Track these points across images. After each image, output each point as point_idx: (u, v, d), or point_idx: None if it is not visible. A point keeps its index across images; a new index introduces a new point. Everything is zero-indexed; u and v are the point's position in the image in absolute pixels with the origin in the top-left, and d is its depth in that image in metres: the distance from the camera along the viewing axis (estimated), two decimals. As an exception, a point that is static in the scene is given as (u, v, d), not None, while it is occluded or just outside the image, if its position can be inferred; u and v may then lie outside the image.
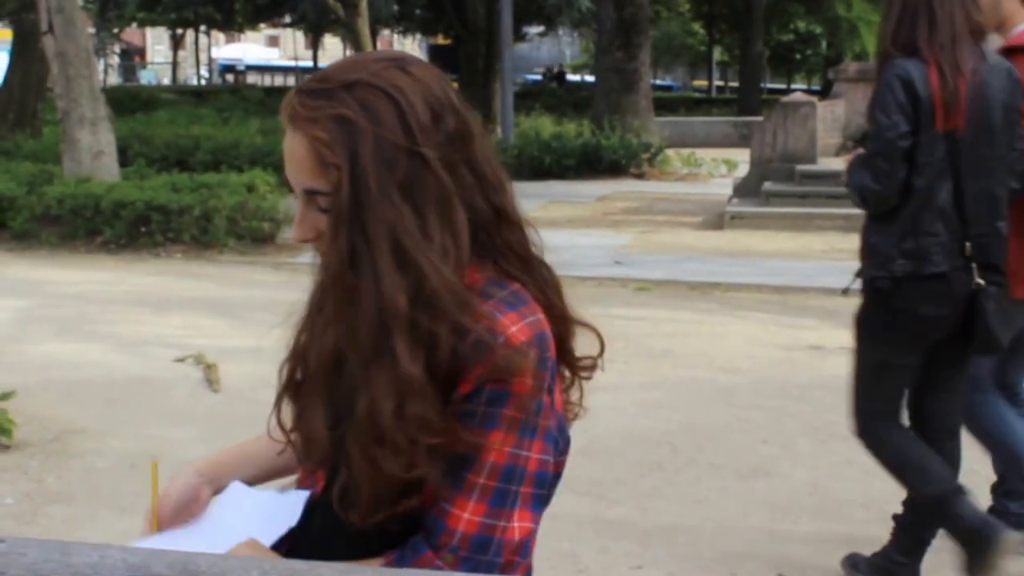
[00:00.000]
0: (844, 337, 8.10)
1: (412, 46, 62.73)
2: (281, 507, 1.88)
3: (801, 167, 15.12)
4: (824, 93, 26.52)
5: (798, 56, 53.88)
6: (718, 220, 14.42)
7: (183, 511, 1.99)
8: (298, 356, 1.84)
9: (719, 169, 20.82)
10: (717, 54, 56.12)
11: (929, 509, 4.09)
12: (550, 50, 58.57)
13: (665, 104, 35.42)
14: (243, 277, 10.83)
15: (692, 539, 4.76)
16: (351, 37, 25.53)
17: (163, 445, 5.77)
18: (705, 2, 46.10)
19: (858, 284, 4.13)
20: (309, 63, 57.32)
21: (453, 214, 1.69)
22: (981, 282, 3.86)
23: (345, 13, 23.65)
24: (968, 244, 3.86)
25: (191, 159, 18.08)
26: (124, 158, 14.91)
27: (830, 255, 11.94)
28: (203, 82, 62.69)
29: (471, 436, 1.67)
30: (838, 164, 15.75)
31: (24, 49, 19.93)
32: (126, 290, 10.21)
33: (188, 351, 7.36)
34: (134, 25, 54.29)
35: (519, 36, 38.68)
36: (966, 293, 3.86)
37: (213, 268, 11.38)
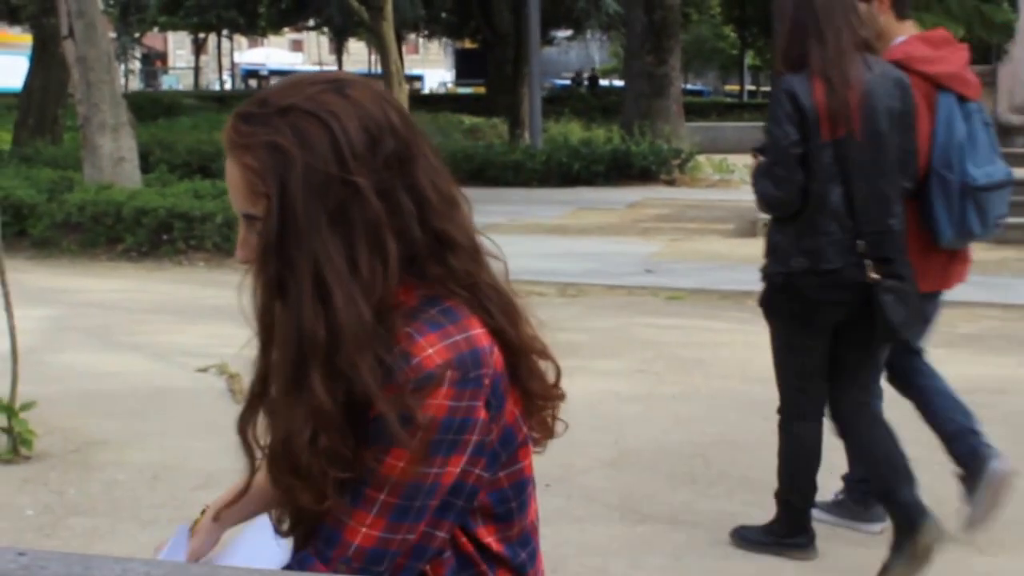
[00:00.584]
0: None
1: (438, 50, 62.80)
2: None
3: (834, 173, 14.97)
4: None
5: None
6: (750, 227, 14.28)
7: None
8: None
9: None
10: (749, 58, 55.99)
11: (787, 512, 4.55)
12: (578, 54, 58.55)
13: (696, 109, 35.34)
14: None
15: (725, 554, 4.66)
16: (376, 41, 25.50)
17: (186, 456, 5.71)
18: (737, 5, 45.91)
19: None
20: (334, 68, 57.46)
21: (384, 243, 1.69)
22: (876, 276, 4.15)
23: (370, 17, 23.62)
24: (860, 242, 4.16)
25: (213, 165, 17.85)
26: (146, 164, 14.87)
27: (865, 263, 11.82)
28: (226, 87, 62.94)
29: (375, 453, 1.69)
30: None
31: (44, 54, 19.98)
32: (148, 298, 10.17)
33: (211, 361, 7.29)
34: (155, 30, 54.60)
35: (547, 40, 38.62)
36: (860, 286, 4.17)
37: (236, 276, 11.23)
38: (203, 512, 2.08)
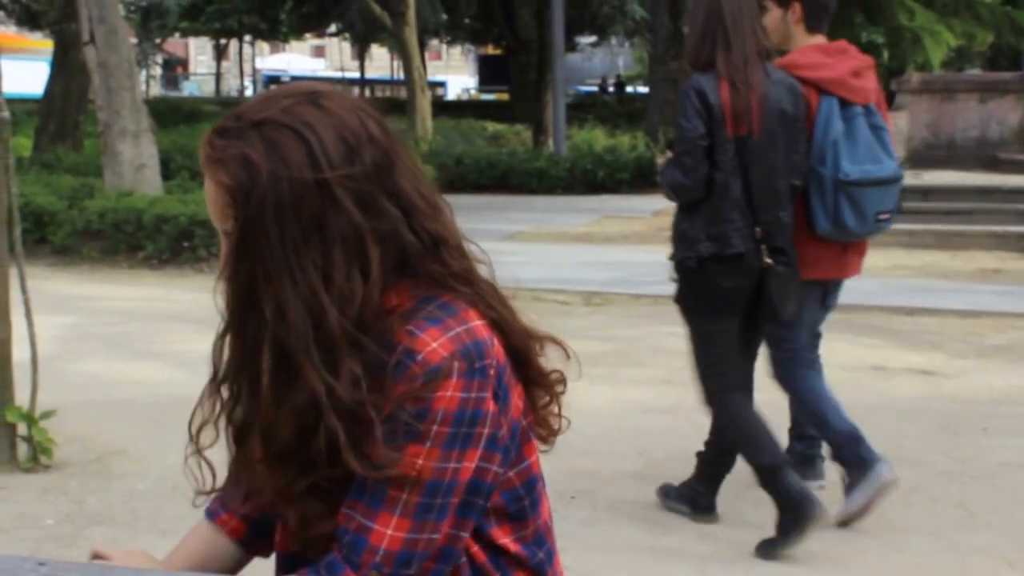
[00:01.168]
0: (909, 358, 7.99)
1: (461, 56, 62.81)
2: None
3: (863, 181, 14.89)
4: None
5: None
6: (777, 235, 14.19)
7: None
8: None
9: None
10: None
11: (759, 475, 4.73)
12: (603, 61, 58.49)
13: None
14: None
15: (751, 566, 4.61)
16: (398, 47, 25.57)
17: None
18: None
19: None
20: (356, 74, 57.55)
21: (365, 252, 1.69)
22: (769, 261, 4.60)
23: (393, 23, 23.69)
24: (758, 229, 4.59)
25: (234, 172, 17.95)
26: (167, 171, 14.85)
27: (893, 272, 11.74)
28: (247, 93, 63.06)
29: (392, 453, 1.68)
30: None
31: (65, 60, 20.00)
32: (168, 306, 10.14)
33: (233, 369, 7.24)
34: (177, 35, 54.78)
35: (571, 46, 38.60)
36: (758, 270, 4.61)
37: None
38: None
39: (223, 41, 57.91)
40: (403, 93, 31.62)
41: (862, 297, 10.26)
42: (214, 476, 1.94)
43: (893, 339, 8.68)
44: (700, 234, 4.63)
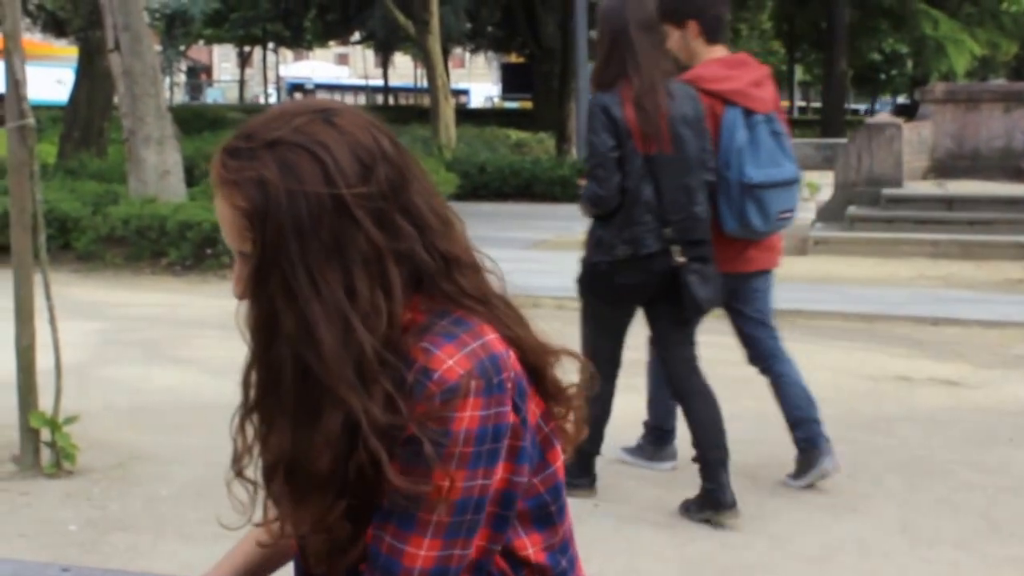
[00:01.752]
0: (934, 368, 7.95)
1: (484, 64, 62.88)
2: None
3: (887, 191, 14.85)
4: (909, 113, 26.15)
5: (883, 76, 53.34)
6: (801, 245, 14.16)
7: None
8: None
9: (801, 192, 20.52)
10: (799, 73, 55.67)
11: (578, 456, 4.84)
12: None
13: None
14: (311, 299, 10.66)
15: (775, 578, 4.57)
16: (422, 55, 25.59)
17: (229, 473, 5.65)
18: (786, 20, 45.67)
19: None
20: (379, 82, 57.57)
21: (386, 270, 1.68)
22: (682, 259, 4.89)
23: (416, 31, 23.71)
24: (667, 230, 4.88)
25: (258, 179, 17.91)
26: (190, 178, 14.81)
27: (918, 282, 11.70)
28: (271, 101, 63.17)
29: (417, 476, 1.66)
30: (926, 188, 15.48)
31: (90, 67, 20.04)
32: (192, 313, 10.14)
33: (256, 375, 7.24)
34: (201, 43, 54.87)
35: (594, 55, 38.55)
36: (668, 268, 4.90)
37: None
38: None
39: (247, 48, 58.09)
40: (426, 101, 31.66)
41: (886, 307, 10.25)
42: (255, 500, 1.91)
43: (917, 349, 8.63)
44: (615, 239, 4.92)
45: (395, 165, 1.71)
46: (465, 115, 37.61)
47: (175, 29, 40.50)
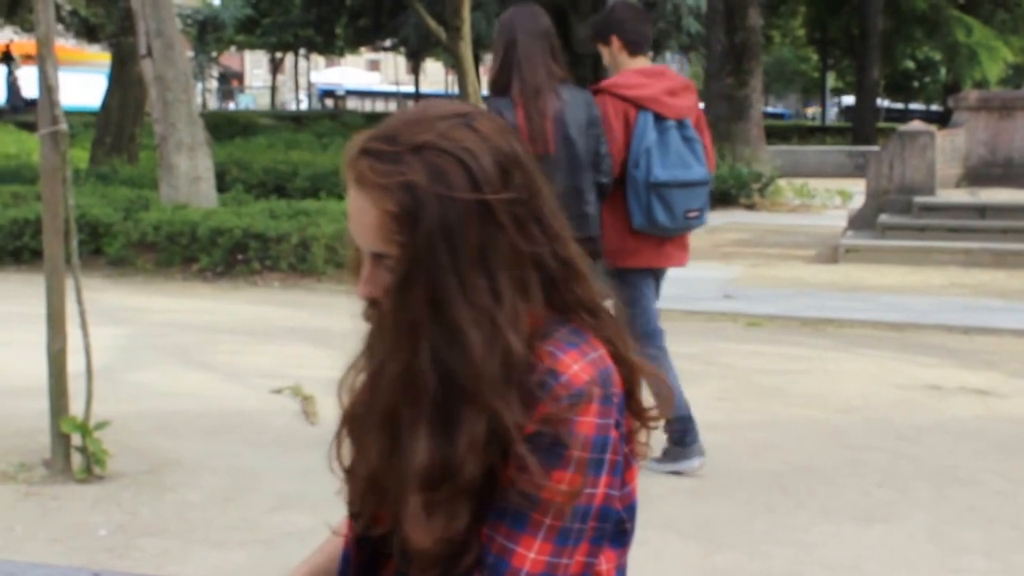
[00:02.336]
0: (965, 377, 7.91)
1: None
2: None
3: (919, 199, 14.77)
4: (943, 120, 26.03)
5: (915, 83, 53.09)
6: (832, 253, 14.12)
7: None
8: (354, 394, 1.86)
9: (833, 200, 20.43)
10: (831, 80, 55.42)
11: None
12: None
13: (777, 132, 34.99)
14: (341, 307, 10.61)
15: (804, 588, 4.55)
16: (453, 61, 25.56)
17: (258, 478, 5.68)
18: (819, 27, 45.51)
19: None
20: (410, 88, 57.60)
21: (525, 275, 1.69)
22: None
23: (447, 37, 23.65)
24: None
25: (289, 185, 17.91)
26: (222, 184, 14.87)
27: (950, 290, 11.63)
28: (302, 107, 63.29)
29: (535, 476, 1.66)
30: (959, 196, 15.39)
31: (122, 73, 20.15)
32: (222, 319, 10.16)
33: (285, 382, 7.27)
34: (233, 49, 55.01)
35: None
36: None
37: (311, 297, 11.30)
38: None
39: (279, 55, 58.20)
40: (457, 107, 31.57)
41: (917, 315, 10.19)
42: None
43: (948, 358, 8.59)
44: None
45: (528, 171, 1.72)
46: (496, 121, 37.49)
47: (207, 35, 40.71)
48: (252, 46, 53.63)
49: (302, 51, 55.48)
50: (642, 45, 5.86)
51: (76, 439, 5.67)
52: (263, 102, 67.06)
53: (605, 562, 1.82)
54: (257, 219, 12.53)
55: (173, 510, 5.31)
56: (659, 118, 5.62)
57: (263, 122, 38.13)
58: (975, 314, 10.21)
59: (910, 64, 49.74)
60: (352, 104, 64.38)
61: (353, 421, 1.85)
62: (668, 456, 5.78)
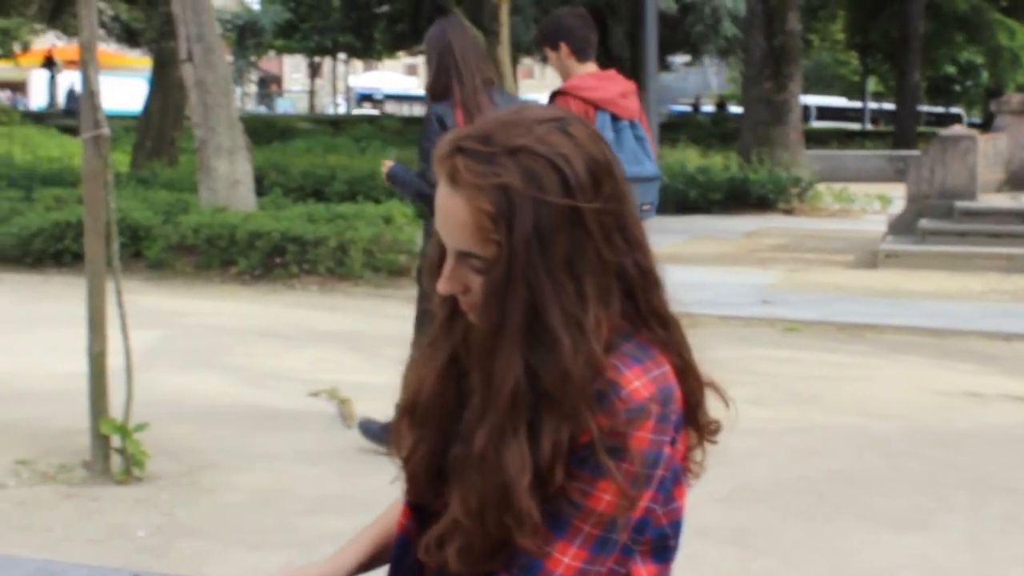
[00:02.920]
0: (1005, 384, 7.85)
1: (554, 75, 62.81)
2: None
3: (960, 204, 14.66)
4: (985, 125, 25.86)
5: (957, 87, 52.73)
6: (871, 259, 14.04)
7: None
8: (415, 388, 1.87)
9: (872, 205, 20.31)
10: (872, 84, 55.09)
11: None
12: (696, 80, 58.22)
13: (816, 137, 34.80)
14: (378, 310, 10.70)
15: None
16: (491, 65, 25.60)
17: (295, 481, 5.70)
18: (860, 31, 45.23)
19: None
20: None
21: (609, 283, 1.70)
22: None
23: (485, 40, 23.66)
24: None
25: (327, 189, 17.96)
26: (260, 188, 14.89)
27: (990, 296, 11.55)
28: (340, 111, 63.42)
29: (582, 483, 1.68)
30: (1001, 201, 15.28)
31: (163, 77, 20.30)
32: (260, 322, 10.20)
33: (322, 385, 7.28)
34: (272, 53, 55.21)
35: (664, 66, 38.38)
36: None
37: (348, 301, 11.33)
38: None
39: (317, 59, 58.40)
40: (495, 111, 31.58)
41: (957, 322, 10.12)
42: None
43: (989, 365, 8.53)
44: None
45: (617, 180, 1.73)
46: (535, 125, 37.46)
47: (246, 40, 40.88)
48: (291, 50, 53.83)
49: (340, 55, 55.61)
50: (589, 51, 6.11)
51: (115, 441, 5.71)
52: (302, 106, 67.30)
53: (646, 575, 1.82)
54: (295, 223, 12.56)
55: (210, 512, 5.33)
56: (615, 118, 5.88)
57: (302, 126, 38.23)
58: (1016, 320, 10.13)
59: (951, 68, 49.42)
60: (390, 108, 64.55)
61: (415, 412, 1.86)
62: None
